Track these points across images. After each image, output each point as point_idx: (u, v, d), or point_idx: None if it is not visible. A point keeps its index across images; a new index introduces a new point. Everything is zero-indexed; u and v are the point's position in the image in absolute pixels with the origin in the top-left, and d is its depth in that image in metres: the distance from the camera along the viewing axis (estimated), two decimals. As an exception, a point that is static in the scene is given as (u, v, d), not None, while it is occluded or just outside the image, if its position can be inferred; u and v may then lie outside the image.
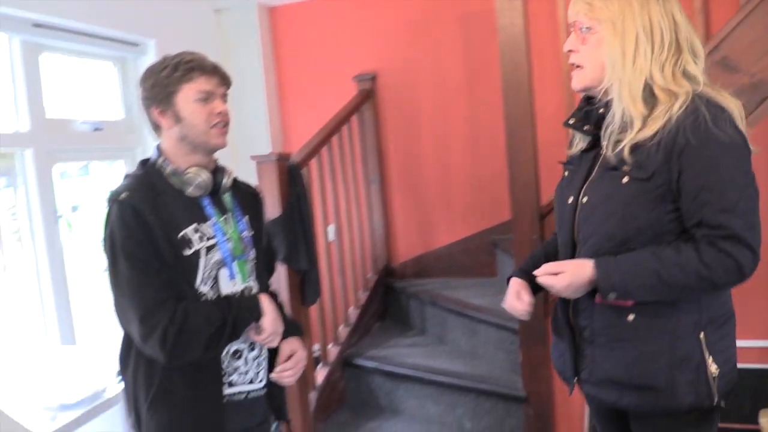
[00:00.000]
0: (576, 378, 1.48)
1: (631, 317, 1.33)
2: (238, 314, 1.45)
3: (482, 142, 3.42)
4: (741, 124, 1.27)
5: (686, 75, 1.30)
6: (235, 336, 1.46)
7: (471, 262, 3.52)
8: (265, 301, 1.51)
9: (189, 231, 1.46)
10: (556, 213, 1.54)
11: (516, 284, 1.56)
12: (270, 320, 1.50)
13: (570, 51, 1.40)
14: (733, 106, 1.27)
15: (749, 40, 2.17)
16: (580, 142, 1.49)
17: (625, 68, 1.30)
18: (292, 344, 1.65)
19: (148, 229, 1.39)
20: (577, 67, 1.39)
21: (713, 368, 1.32)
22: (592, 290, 1.35)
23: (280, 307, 1.71)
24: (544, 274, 1.37)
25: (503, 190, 2.44)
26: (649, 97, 1.30)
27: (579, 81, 1.40)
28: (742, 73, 2.17)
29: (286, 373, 1.61)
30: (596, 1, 1.33)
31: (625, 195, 1.30)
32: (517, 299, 1.52)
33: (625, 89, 1.30)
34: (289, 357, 1.62)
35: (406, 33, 3.53)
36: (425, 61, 3.52)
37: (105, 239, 1.43)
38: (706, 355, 1.32)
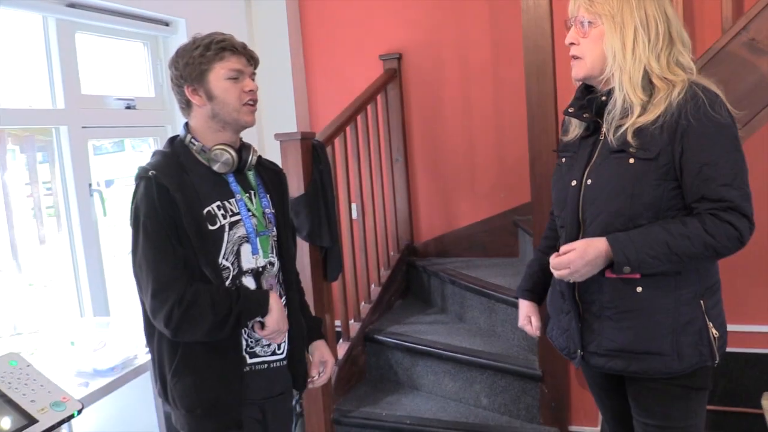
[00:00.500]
0: (581, 351, 1.55)
1: (639, 289, 1.44)
2: (244, 308, 1.50)
3: (506, 123, 3.42)
4: (730, 107, 1.41)
5: (679, 64, 1.42)
6: (238, 327, 1.52)
7: (493, 241, 3.54)
8: (273, 299, 1.56)
9: (213, 207, 1.52)
10: (556, 197, 1.62)
11: (526, 308, 1.78)
12: (274, 319, 1.54)
13: (571, 44, 1.50)
14: (721, 92, 1.41)
15: (779, 23, 2.13)
16: (576, 129, 1.58)
17: (625, 58, 1.41)
18: (323, 352, 1.80)
19: (172, 206, 1.45)
20: (578, 58, 1.50)
21: (714, 331, 1.46)
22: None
23: (305, 306, 1.81)
24: (558, 260, 1.45)
25: (526, 170, 2.46)
26: (648, 85, 1.42)
27: (580, 71, 1.51)
28: (769, 56, 2.14)
29: (318, 381, 1.77)
30: None
31: (633, 174, 1.41)
32: (528, 323, 1.78)
33: (626, 77, 1.41)
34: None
35: (432, 13, 3.53)
36: (451, 40, 3.51)
37: (131, 214, 1.50)
38: (707, 319, 1.45)
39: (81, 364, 2.12)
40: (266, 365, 1.63)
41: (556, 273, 1.47)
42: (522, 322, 1.80)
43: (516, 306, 2.74)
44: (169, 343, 1.53)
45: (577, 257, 1.41)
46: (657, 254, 1.36)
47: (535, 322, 1.77)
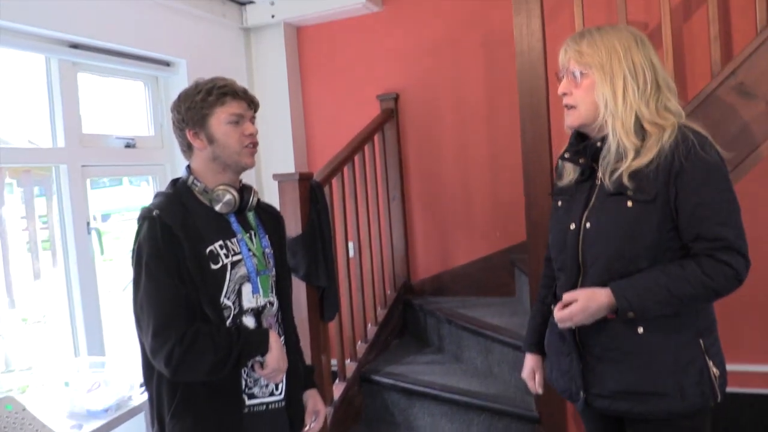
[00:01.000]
0: (583, 393, 1.55)
1: (641, 330, 1.46)
2: (245, 347, 1.50)
3: (502, 162, 3.46)
4: (718, 148, 1.46)
5: (667, 110, 1.47)
6: (239, 366, 1.51)
7: (490, 280, 3.54)
8: (272, 338, 1.56)
9: (216, 247, 1.54)
10: (554, 240, 1.64)
11: (532, 362, 1.81)
12: (274, 357, 1.54)
13: (564, 94, 1.55)
14: (708, 134, 1.46)
15: (766, 66, 2.18)
16: (571, 174, 1.62)
17: (617, 105, 1.46)
18: (316, 402, 1.80)
19: (175, 245, 1.46)
20: (572, 107, 1.55)
21: (714, 370, 1.47)
22: None
23: (299, 353, 1.81)
24: (561, 314, 1.48)
25: (521, 209, 2.48)
26: (639, 130, 1.46)
27: (575, 119, 1.55)
28: (758, 100, 2.19)
29: (311, 430, 1.77)
30: (585, 48, 1.50)
31: (632, 216, 1.44)
32: (532, 379, 1.81)
33: (619, 124, 1.46)
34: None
35: (428, 54, 3.60)
36: (447, 82, 3.58)
37: (133, 252, 1.51)
38: (707, 358, 1.47)
39: (74, 405, 2.11)
40: (264, 407, 1.62)
41: (559, 324, 1.51)
42: (526, 375, 1.82)
43: (513, 347, 2.78)
44: (169, 383, 1.52)
45: (580, 311, 1.45)
46: (659, 299, 1.40)
47: (539, 378, 1.80)
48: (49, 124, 2.73)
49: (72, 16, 2.67)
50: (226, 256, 1.55)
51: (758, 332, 2.88)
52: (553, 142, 2.42)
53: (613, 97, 1.46)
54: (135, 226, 1.54)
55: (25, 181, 2.77)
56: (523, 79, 2.40)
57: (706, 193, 1.40)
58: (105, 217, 3.46)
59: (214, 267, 1.52)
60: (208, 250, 1.52)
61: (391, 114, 3.64)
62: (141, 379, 1.64)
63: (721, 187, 1.42)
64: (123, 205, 3.60)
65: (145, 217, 1.50)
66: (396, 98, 3.67)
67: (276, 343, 1.56)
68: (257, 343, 1.53)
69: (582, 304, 1.45)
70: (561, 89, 1.56)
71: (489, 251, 3.54)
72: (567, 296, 1.48)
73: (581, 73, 1.51)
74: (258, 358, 1.54)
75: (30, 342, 2.66)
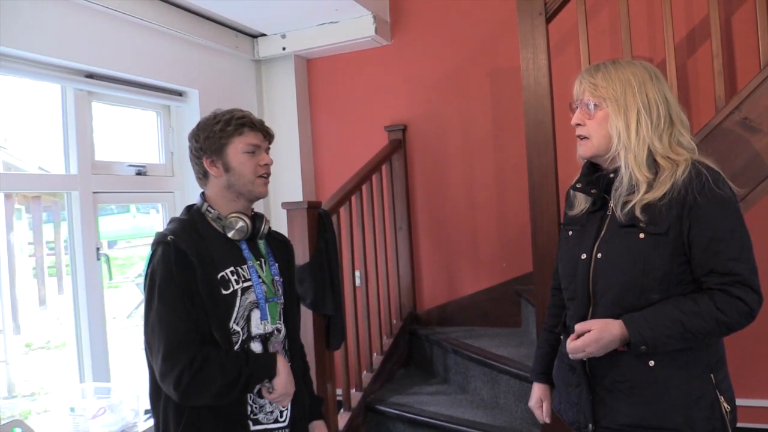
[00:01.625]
0: (592, 425, 1.54)
1: (652, 363, 1.45)
2: (253, 371, 1.51)
3: (508, 193, 3.48)
4: (731, 184, 1.46)
5: (680, 144, 1.49)
6: (247, 390, 1.53)
7: (496, 311, 3.54)
8: (280, 362, 1.57)
9: (227, 273, 1.57)
10: (565, 270, 1.64)
11: (539, 392, 1.80)
12: (282, 382, 1.56)
13: (578, 125, 1.57)
14: (721, 170, 1.47)
15: (770, 102, 2.21)
16: (582, 204, 1.63)
17: (630, 139, 1.47)
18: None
19: (189, 270, 1.49)
20: (585, 138, 1.56)
21: (725, 405, 1.46)
22: None
23: (309, 383, 1.83)
24: (574, 345, 1.48)
25: (528, 240, 2.49)
26: (652, 163, 1.47)
27: (587, 150, 1.56)
28: (762, 134, 2.21)
29: None
30: (600, 81, 1.52)
31: (644, 248, 1.44)
32: (539, 408, 1.80)
33: (632, 156, 1.47)
34: None
35: (436, 86, 3.66)
36: (454, 114, 3.63)
37: (146, 276, 1.53)
38: (718, 393, 1.46)
39: (79, 430, 2.11)
40: None
41: (571, 355, 1.50)
42: (534, 404, 1.81)
43: (519, 378, 2.76)
44: (176, 407, 1.53)
45: (593, 341, 1.44)
46: (672, 334, 1.39)
47: (546, 407, 1.78)
48: (63, 151, 2.78)
49: (88, 46, 2.74)
50: (237, 282, 1.57)
51: (766, 367, 2.85)
52: (560, 173, 2.45)
53: (627, 130, 1.47)
54: (148, 251, 1.57)
55: (34, 207, 2.80)
56: (530, 112, 2.43)
57: (719, 227, 1.41)
58: (111, 244, 3.48)
59: (225, 292, 1.54)
60: (219, 275, 1.55)
61: (398, 145, 3.68)
62: (146, 406, 1.65)
63: (734, 222, 1.43)
64: (130, 231, 3.63)
65: (160, 242, 1.53)
66: (404, 129, 3.72)
67: (284, 367, 1.57)
68: (265, 367, 1.55)
69: (595, 335, 1.44)
70: (574, 120, 1.58)
71: (495, 282, 3.55)
72: (580, 326, 1.48)
73: (595, 105, 1.52)
74: (266, 383, 1.55)
75: (34, 368, 2.66)
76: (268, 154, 1.69)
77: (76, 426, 2.11)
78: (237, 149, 1.61)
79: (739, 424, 1.52)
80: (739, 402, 1.54)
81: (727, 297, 1.38)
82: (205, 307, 1.50)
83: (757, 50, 2.28)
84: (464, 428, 2.73)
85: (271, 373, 1.55)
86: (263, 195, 1.66)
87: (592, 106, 1.53)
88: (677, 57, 2.41)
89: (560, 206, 2.42)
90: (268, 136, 1.69)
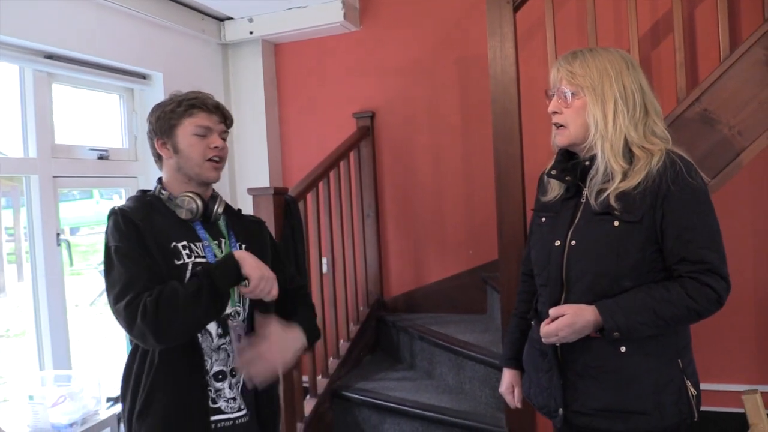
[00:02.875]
0: (562, 410, 1.55)
1: (623, 349, 1.48)
2: (213, 274, 1.46)
3: (475, 181, 3.51)
4: (703, 174, 1.50)
5: (654, 134, 1.50)
6: (218, 297, 1.47)
7: (462, 298, 3.57)
8: (238, 253, 1.53)
9: (179, 245, 1.54)
10: (537, 256, 1.65)
11: (510, 377, 1.82)
12: (251, 265, 1.50)
13: (554, 112, 1.57)
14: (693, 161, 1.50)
15: (729, 94, 2.26)
16: (556, 191, 1.63)
17: (607, 128, 1.49)
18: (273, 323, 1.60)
19: (139, 234, 1.48)
20: (562, 126, 1.56)
21: (692, 389, 1.50)
22: None
23: (311, 309, 1.77)
24: (547, 329, 1.49)
25: (494, 228, 2.51)
26: (627, 153, 1.49)
27: (564, 139, 1.57)
28: (721, 125, 2.27)
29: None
30: (578, 69, 1.53)
31: (618, 236, 1.46)
32: (510, 394, 1.81)
33: (608, 146, 1.48)
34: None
35: (405, 73, 3.65)
36: (423, 101, 3.63)
37: (104, 249, 1.51)
38: (685, 378, 1.50)
39: (38, 419, 2.07)
40: (231, 422, 1.59)
41: (544, 339, 1.51)
42: (505, 389, 1.82)
43: (484, 363, 2.80)
44: (137, 388, 1.51)
45: (566, 326, 1.45)
46: (644, 321, 1.42)
47: (518, 393, 1.80)
48: (21, 134, 2.70)
49: (48, 26, 2.66)
50: (189, 256, 1.54)
51: (726, 352, 2.95)
52: (526, 161, 2.47)
53: (604, 119, 1.48)
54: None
55: (-9, 191, 2.72)
56: (497, 101, 2.44)
57: (691, 217, 1.44)
58: (74, 230, 3.41)
59: (177, 262, 1.52)
60: (172, 245, 1.53)
61: (366, 132, 3.68)
62: (108, 393, 1.62)
63: (706, 212, 1.46)
64: (93, 218, 3.56)
65: (110, 215, 1.53)
66: (372, 116, 3.71)
67: (244, 254, 1.53)
68: (224, 264, 1.49)
69: (569, 319, 1.45)
70: (551, 107, 1.58)
71: (462, 269, 3.58)
72: (554, 311, 1.48)
73: (572, 94, 1.53)
74: (242, 284, 1.50)
75: (-2, 356, 2.61)
76: (224, 138, 1.64)
77: (35, 414, 2.07)
78: (187, 131, 1.58)
79: (703, 408, 1.54)
80: (703, 387, 1.57)
81: (698, 284, 1.41)
82: (160, 268, 1.47)
83: (717, 44, 2.33)
84: (429, 413, 2.76)
85: (234, 266, 1.49)
86: (213, 180, 1.62)
87: (569, 95, 1.53)
88: (641, 49, 2.44)
89: (526, 194, 2.45)
90: (224, 119, 1.64)
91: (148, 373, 1.50)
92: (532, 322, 1.74)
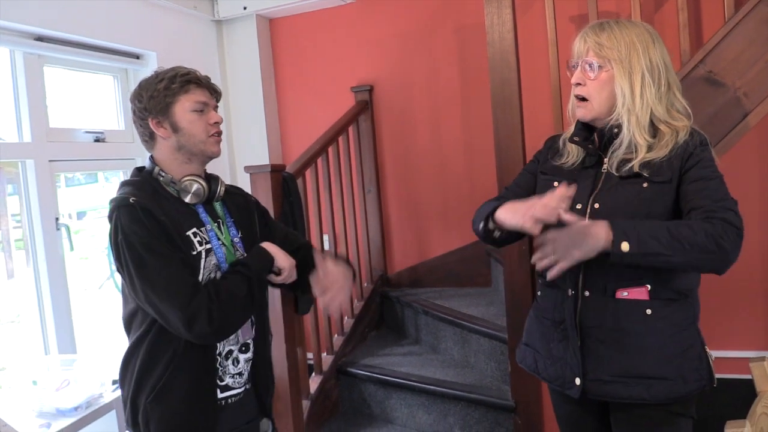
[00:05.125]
0: (580, 379, 1.52)
1: (649, 311, 1.46)
2: (255, 270, 1.55)
3: (477, 152, 3.46)
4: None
5: (677, 109, 1.50)
6: (263, 289, 1.61)
7: (466, 271, 3.55)
8: (269, 247, 1.61)
9: (191, 234, 1.52)
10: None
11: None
12: (282, 258, 1.61)
13: (578, 84, 1.53)
14: None
15: (734, 54, 2.20)
16: (574, 157, 1.60)
17: (634, 102, 1.47)
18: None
19: (162, 226, 1.45)
20: (585, 100, 1.53)
21: (710, 354, 1.51)
22: (603, 288, 1.48)
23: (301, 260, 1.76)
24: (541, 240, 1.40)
25: (496, 200, 2.48)
26: (651, 127, 1.48)
27: (587, 113, 1.54)
28: (726, 88, 2.21)
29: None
30: (605, 41, 1.49)
31: (648, 197, 1.45)
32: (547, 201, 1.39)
33: (634, 120, 1.47)
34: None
35: (402, 45, 3.59)
36: (421, 72, 3.57)
37: (120, 244, 1.44)
38: (703, 343, 1.51)
39: (43, 403, 2.07)
40: (234, 397, 1.60)
41: (556, 267, 1.39)
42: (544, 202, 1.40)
43: (489, 336, 2.78)
44: (147, 374, 1.50)
45: (579, 231, 1.36)
46: (657, 235, 1.33)
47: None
48: (15, 118, 2.67)
49: (37, 7, 2.61)
50: (200, 244, 1.53)
51: (736, 319, 2.92)
52: (526, 130, 2.42)
53: (631, 93, 1.47)
54: (110, 221, 1.48)
55: (-3, 179, 2.71)
56: (495, 69, 2.39)
57: (711, 172, 1.44)
58: (80, 215, 3.40)
59: (192, 253, 1.51)
60: (186, 234, 1.51)
61: (365, 106, 3.62)
62: (113, 376, 1.61)
63: (721, 177, 1.45)
64: (98, 202, 3.54)
65: (121, 206, 1.45)
66: (370, 90, 3.65)
67: (273, 247, 1.62)
68: (261, 259, 1.59)
69: (582, 227, 1.36)
70: (575, 79, 1.54)
71: (465, 242, 3.55)
72: (570, 217, 1.37)
73: (599, 66, 1.50)
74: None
75: (3, 342, 2.61)
76: (216, 111, 1.62)
77: (40, 399, 2.07)
78: (184, 108, 1.54)
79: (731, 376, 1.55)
80: (716, 354, 1.57)
81: (716, 219, 1.36)
82: (189, 260, 1.48)
83: (722, 3, 2.26)
84: (435, 387, 2.76)
85: (269, 261, 1.59)
86: (216, 154, 1.61)
87: (595, 66, 1.50)
88: (643, 12, 2.37)
89: (525, 163, 2.40)
90: (215, 93, 1.61)
91: (168, 362, 1.49)
92: (538, 293, 1.70)
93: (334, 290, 1.69)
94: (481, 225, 1.61)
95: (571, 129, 1.63)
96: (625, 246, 1.33)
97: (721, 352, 2.78)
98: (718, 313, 2.88)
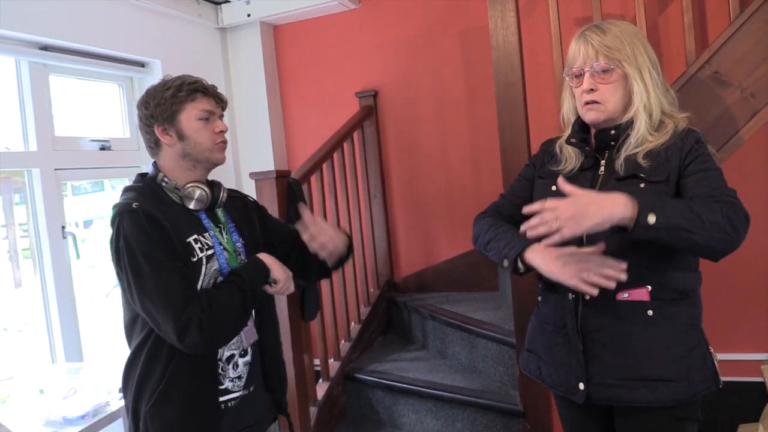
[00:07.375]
0: (583, 384, 1.51)
1: (650, 313, 1.45)
2: (251, 282, 1.53)
3: (483, 156, 3.45)
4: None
5: (672, 104, 1.53)
6: (256, 301, 1.58)
7: (473, 276, 3.53)
8: (265, 258, 1.59)
9: (191, 240, 1.53)
10: None
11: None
12: (278, 269, 1.59)
13: (591, 90, 1.52)
14: None
15: (740, 55, 2.19)
16: (573, 161, 1.60)
17: (650, 99, 1.49)
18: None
19: (164, 232, 1.45)
20: (597, 103, 1.52)
21: (715, 356, 1.50)
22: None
23: (304, 247, 1.74)
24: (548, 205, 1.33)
25: (502, 204, 2.47)
26: (658, 122, 1.51)
27: (601, 115, 1.53)
28: (733, 87, 2.19)
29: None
30: (612, 42, 1.50)
31: (646, 196, 1.39)
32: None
33: (647, 116, 1.49)
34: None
35: (406, 50, 3.58)
36: (426, 77, 3.56)
37: (120, 249, 1.45)
38: (708, 344, 1.50)
39: (50, 412, 2.06)
40: (236, 400, 1.61)
41: (533, 226, 1.34)
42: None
43: (497, 341, 2.76)
44: (147, 380, 1.50)
45: (593, 200, 1.31)
46: (681, 210, 1.29)
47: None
48: (21, 127, 2.68)
49: (42, 17, 2.62)
50: (201, 250, 1.54)
51: (746, 321, 2.89)
52: (531, 132, 2.41)
53: (645, 90, 1.49)
54: (113, 227, 1.49)
55: (4, 189, 2.71)
56: (499, 72, 2.38)
57: (710, 166, 1.44)
58: (87, 224, 3.41)
59: (192, 259, 1.51)
60: (187, 241, 1.52)
61: (370, 111, 3.62)
62: (119, 385, 1.61)
63: (721, 171, 1.46)
64: (105, 211, 3.54)
65: (124, 211, 1.46)
66: (375, 95, 3.65)
67: (269, 258, 1.60)
68: (256, 270, 1.57)
69: (595, 195, 1.32)
70: (587, 85, 1.52)
71: (471, 247, 3.49)
72: (549, 203, 1.32)
73: (611, 69, 1.50)
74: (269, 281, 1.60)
75: (11, 351, 2.61)
76: (222, 120, 1.64)
77: (47, 408, 2.06)
78: (190, 116, 1.56)
79: (722, 378, 1.52)
80: (722, 356, 1.55)
81: (721, 202, 1.33)
82: (187, 267, 1.48)
83: (727, 3, 2.25)
84: (443, 393, 2.74)
85: (265, 272, 1.57)
86: (221, 162, 1.63)
87: (605, 71, 1.50)
88: (647, 14, 2.36)
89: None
90: (221, 102, 1.64)
91: (165, 368, 1.50)
92: (539, 298, 1.69)
93: (325, 236, 1.67)
94: (505, 263, 1.56)
95: (567, 132, 1.63)
96: (651, 218, 1.26)
97: (729, 355, 2.76)
98: (726, 315, 2.86)
